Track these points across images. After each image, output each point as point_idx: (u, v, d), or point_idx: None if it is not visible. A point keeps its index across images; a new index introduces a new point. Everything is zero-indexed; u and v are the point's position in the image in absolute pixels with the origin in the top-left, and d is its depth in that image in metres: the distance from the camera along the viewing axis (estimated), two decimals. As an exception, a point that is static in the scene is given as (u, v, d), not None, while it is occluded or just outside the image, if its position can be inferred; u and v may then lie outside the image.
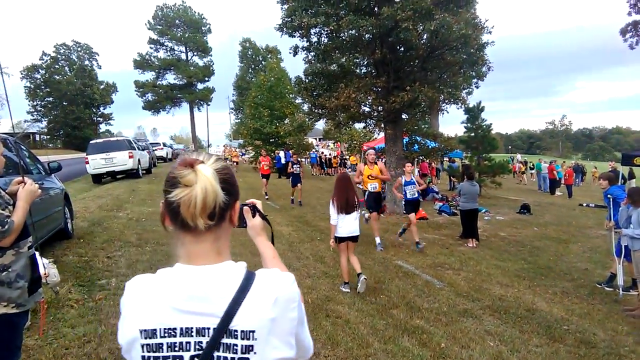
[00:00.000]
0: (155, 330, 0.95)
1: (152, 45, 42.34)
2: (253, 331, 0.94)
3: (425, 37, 10.48)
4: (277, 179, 23.55)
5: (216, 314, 0.95)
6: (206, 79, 43.96)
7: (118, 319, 1.01)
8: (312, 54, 12.83)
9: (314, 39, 12.62)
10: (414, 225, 8.81)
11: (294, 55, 12.91)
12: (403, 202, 9.51)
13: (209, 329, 0.95)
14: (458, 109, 14.51)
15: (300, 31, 11.96)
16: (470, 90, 18.59)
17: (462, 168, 12.30)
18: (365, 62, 13.31)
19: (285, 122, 29.66)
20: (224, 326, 0.94)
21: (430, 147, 14.85)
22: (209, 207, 0.96)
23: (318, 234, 9.60)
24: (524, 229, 11.92)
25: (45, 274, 3.70)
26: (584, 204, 17.61)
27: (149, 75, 42.61)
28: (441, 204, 15.27)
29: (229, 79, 62.05)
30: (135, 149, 19.11)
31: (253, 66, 59.09)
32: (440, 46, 10.84)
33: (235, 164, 25.59)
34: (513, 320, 5.17)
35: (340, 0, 10.82)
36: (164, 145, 36.67)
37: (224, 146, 31.99)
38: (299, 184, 13.66)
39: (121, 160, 17.79)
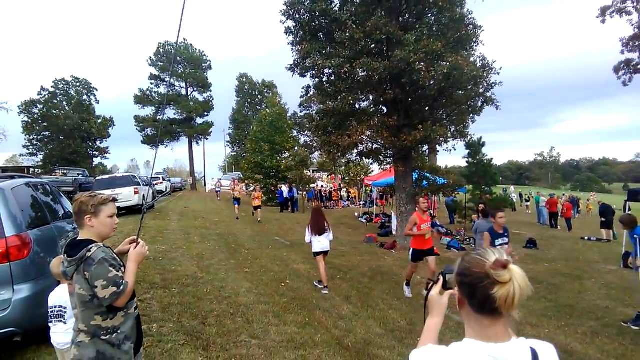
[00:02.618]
0: None
1: (153, 81, 42.81)
2: None
3: (436, 78, 10.76)
4: (279, 213, 23.58)
5: None
6: (205, 113, 44.32)
7: None
8: (323, 93, 13.08)
9: (325, 78, 12.92)
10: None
11: (305, 95, 13.20)
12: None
13: None
14: (464, 145, 14.84)
15: (312, 71, 12.28)
16: (467, 124, 19.14)
17: (479, 206, 12.47)
18: (374, 101, 13.59)
19: (286, 155, 29.88)
20: None
21: (439, 183, 15.06)
22: (522, 300, 1.19)
23: (337, 272, 9.52)
24: (534, 264, 12.00)
25: None
26: (586, 237, 17.89)
27: (149, 111, 42.89)
28: (449, 239, 15.36)
29: (225, 112, 62.77)
30: (140, 185, 19.12)
31: (249, 100, 59.97)
32: (451, 86, 11.16)
33: (257, 209, 18.76)
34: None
35: (354, 43, 11.16)
36: (163, 179, 36.51)
37: (232, 180, 30.72)
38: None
39: (127, 196, 17.76)
